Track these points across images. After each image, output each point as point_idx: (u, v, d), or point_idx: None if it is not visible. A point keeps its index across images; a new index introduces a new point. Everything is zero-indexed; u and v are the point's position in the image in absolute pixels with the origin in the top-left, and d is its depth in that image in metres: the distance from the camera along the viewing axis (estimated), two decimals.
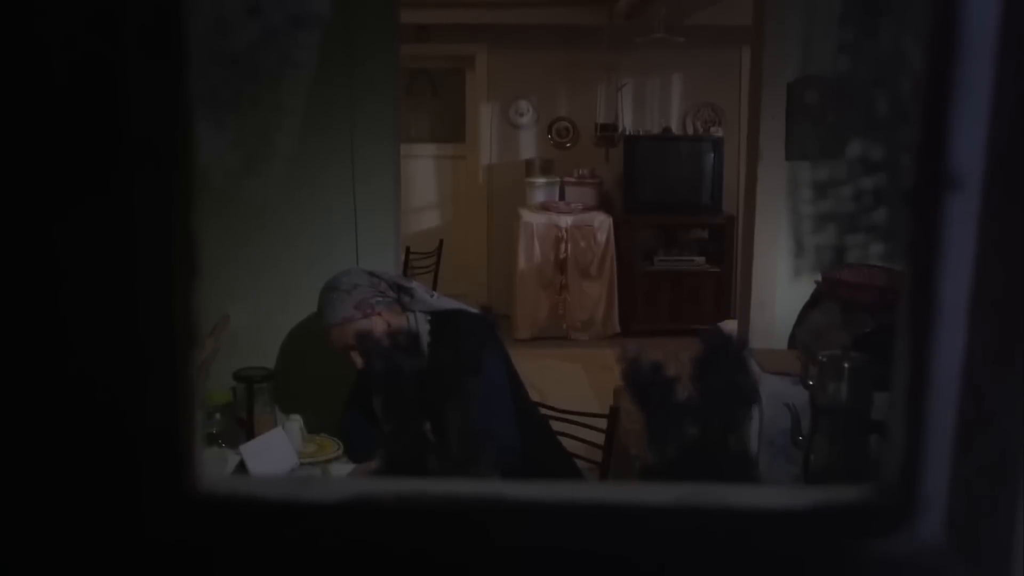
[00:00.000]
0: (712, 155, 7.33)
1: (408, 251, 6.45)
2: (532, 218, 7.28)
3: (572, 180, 7.61)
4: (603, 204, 7.60)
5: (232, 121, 0.54)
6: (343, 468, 2.50)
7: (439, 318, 2.60)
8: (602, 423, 2.94)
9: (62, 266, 0.50)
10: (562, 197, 7.58)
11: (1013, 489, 0.52)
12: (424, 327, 2.57)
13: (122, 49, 0.51)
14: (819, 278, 2.95)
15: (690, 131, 7.77)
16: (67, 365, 0.51)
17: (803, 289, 3.10)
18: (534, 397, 2.89)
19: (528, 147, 7.88)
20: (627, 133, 7.69)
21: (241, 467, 2.46)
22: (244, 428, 2.69)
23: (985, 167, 0.49)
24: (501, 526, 0.53)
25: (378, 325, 2.54)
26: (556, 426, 2.91)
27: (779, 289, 3.55)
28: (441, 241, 7.17)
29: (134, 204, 0.50)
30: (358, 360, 2.54)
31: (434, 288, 6.86)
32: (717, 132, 7.61)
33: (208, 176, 0.53)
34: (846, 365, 2.12)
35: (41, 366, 0.51)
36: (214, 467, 2.41)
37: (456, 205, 8.10)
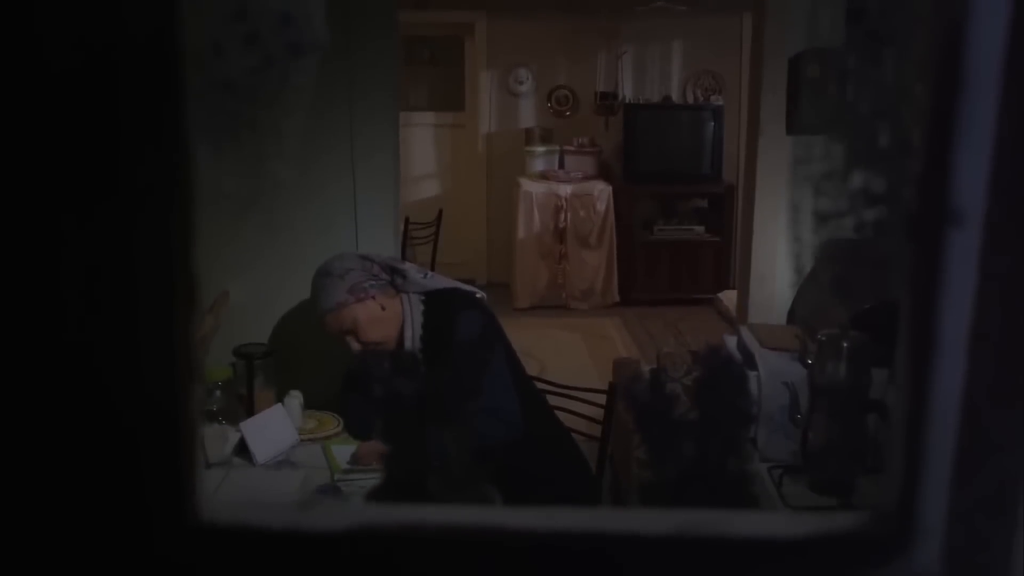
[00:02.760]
0: (712, 124, 7.30)
1: (407, 221, 6.42)
2: (532, 187, 7.26)
3: (572, 149, 7.58)
4: (603, 173, 7.57)
5: (231, 147, 0.54)
6: (344, 449, 2.51)
7: (433, 299, 2.59)
8: (602, 398, 2.95)
9: (62, 301, 0.50)
10: (561, 166, 7.55)
11: (1011, 521, 0.53)
12: (418, 308, 2.56)
13: (118, 79, 0.50)
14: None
15: (690, 99, 7.72)
16: (70, 397, 0.51)
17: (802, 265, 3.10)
18: (533, 367, 2.88)
19: (527, 116, 7.84)
20: (627, 101, 7.64)
21: (242, 444, 2.47)
22: (244, 405, 2.69)
23: (987, 202, 0.49)
24: (503, 554, 0.54)
25: (372, 309, 2.53)
26: (556, 401, 2.91)
27: (778, 263, 3.55)
28: (440, 210, 7.14)
29: (133, 237, 0.50)
30: (354, 345, 2.54)
31: (433, 257, 6.84)
32: (717, 100, 7.56)
33: (208, 201, 0.53)
34: (845, 344, 2.13)
35: (45, 400, 0.51)
36: (214, 445, 2.42)
37: (455, 174, 8.06)
